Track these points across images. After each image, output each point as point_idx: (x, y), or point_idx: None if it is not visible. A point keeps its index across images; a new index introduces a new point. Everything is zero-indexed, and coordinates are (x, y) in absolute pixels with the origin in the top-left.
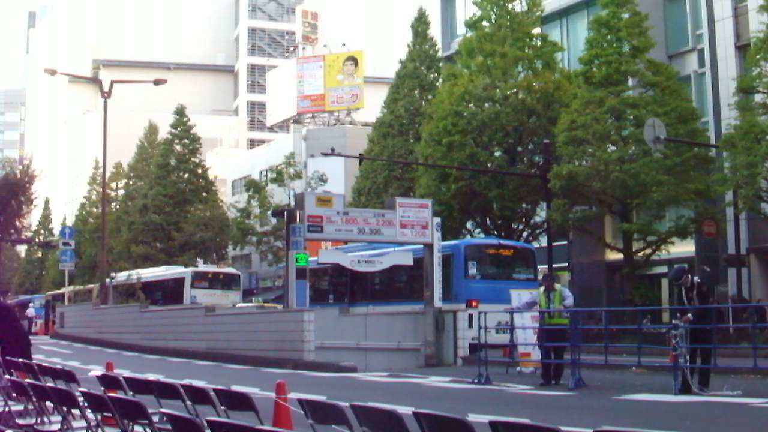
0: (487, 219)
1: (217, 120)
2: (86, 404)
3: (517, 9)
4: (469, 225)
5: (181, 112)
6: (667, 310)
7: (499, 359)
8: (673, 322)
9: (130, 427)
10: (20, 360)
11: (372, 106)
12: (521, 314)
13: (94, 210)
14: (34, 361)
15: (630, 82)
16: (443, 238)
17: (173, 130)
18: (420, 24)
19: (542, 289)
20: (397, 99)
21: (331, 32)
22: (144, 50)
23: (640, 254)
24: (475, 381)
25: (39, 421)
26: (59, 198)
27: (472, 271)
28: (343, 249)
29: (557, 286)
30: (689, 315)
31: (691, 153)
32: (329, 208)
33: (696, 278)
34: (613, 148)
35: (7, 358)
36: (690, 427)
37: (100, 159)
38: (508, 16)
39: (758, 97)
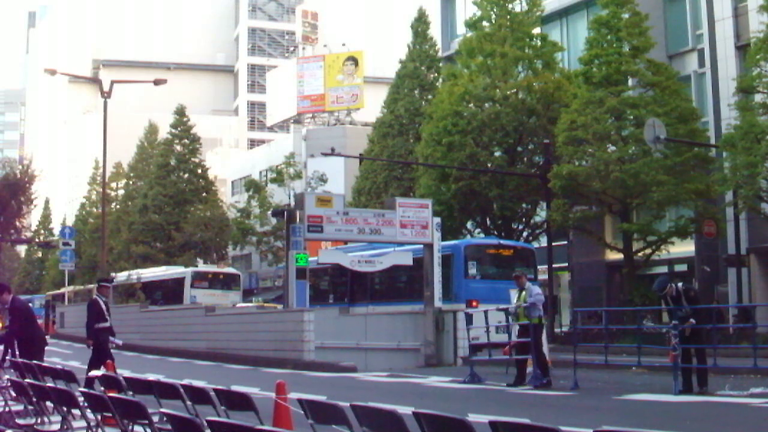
0: (487, 219)
1: (217, 120)
2: (86, 404)
3: (517, 9)
4: (469, 225)
5: (181, 112)
6: (667, 310)
7: (500, 358)
8: (673, 322)
9: (130, 427)
10: (20, 360)
11: (372, 106)
12: None
13: (94, 210)
14: (34, 362)
15: (630, 82)
16: (443, 238)
17: (173, 130)
18: (420, 24)
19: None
20: (397, 99)
21: (331, 32)
22: (144, 50)
23: (640, 254)
24: (466, 380)
25: (39, 421)
26: (59, 198)
27: (472, 271)
28: (343, 249)
29: (527, 284)
30: (692, 320)
31: (691, 153)
32: (329, 208)
33: (680, 284)
34: (613, 148)
35: (20, 360)
36: (690, 427)
37: (100, 159)
38: (508, 16)
39: (758, 97)
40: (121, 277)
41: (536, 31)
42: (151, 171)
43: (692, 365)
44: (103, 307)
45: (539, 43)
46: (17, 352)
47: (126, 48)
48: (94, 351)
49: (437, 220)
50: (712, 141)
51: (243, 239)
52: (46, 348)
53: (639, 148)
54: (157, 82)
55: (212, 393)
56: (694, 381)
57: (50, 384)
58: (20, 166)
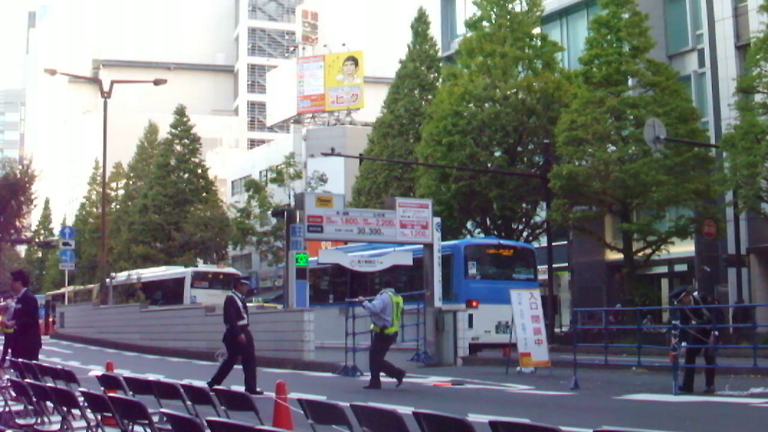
0: (487, 219)
1: (217, 120)
2: (86, 404)
3: (517, 9)
4: (469, 225)
5: (181, 112)
6: (667, 310)
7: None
8: (673, 322)
9: (130, 427)
10: (20, 360)
11: (372, 106)
12: (521, 314)
13: (94, 210)
14: (33, 361)
15: (630, 82)
16: (443, 238)
17: (173, 130)
18: (420, 24)
19: None
20: (397, 99)
21: (331, 32)
22: (144, 50)
23: (640, 254)
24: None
25: (39, 421)
26: (59, 198)
27: (472, 271)
28: (343, 249)
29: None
30: (715, 332)
31: (691, 153)
32: (329, 208)
33: (695, 294)
34: (613, 148)
35: (10, 358)
36: (690, 427)
37: (100, 159)
38: (508, 16)
39: (758, 97)
40: (121, 277)
41: (536, 31)
42: (151, 171)
43: (695, 365)
44: (240, 304)
45: (539, 43)
46: (9, 350)
47: (126, 48)
48: (230, 351)
49: (437, 220)
50: (712, 141)
51: (243, 239)
52: (47, 348)
53: (639, 148)
54: (157, 82)
55: (212, 393)
56: (696, 381)
57: (50, 384)
58: (20, 166)
